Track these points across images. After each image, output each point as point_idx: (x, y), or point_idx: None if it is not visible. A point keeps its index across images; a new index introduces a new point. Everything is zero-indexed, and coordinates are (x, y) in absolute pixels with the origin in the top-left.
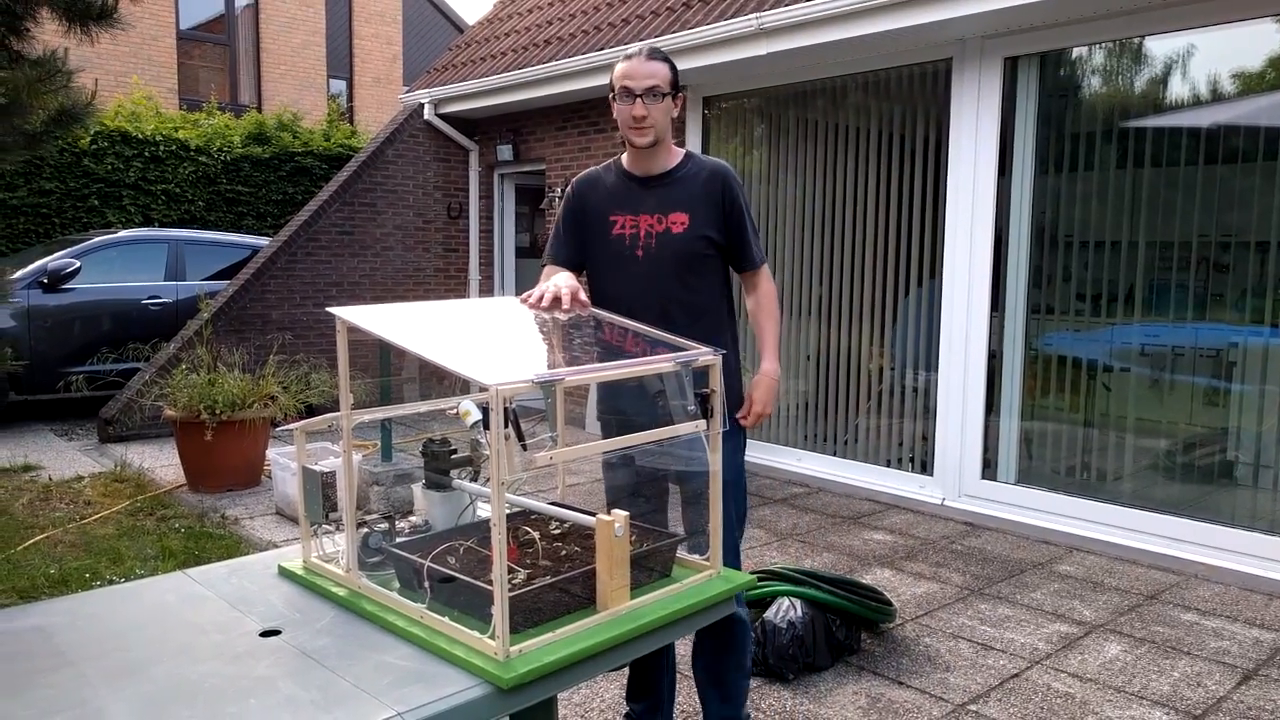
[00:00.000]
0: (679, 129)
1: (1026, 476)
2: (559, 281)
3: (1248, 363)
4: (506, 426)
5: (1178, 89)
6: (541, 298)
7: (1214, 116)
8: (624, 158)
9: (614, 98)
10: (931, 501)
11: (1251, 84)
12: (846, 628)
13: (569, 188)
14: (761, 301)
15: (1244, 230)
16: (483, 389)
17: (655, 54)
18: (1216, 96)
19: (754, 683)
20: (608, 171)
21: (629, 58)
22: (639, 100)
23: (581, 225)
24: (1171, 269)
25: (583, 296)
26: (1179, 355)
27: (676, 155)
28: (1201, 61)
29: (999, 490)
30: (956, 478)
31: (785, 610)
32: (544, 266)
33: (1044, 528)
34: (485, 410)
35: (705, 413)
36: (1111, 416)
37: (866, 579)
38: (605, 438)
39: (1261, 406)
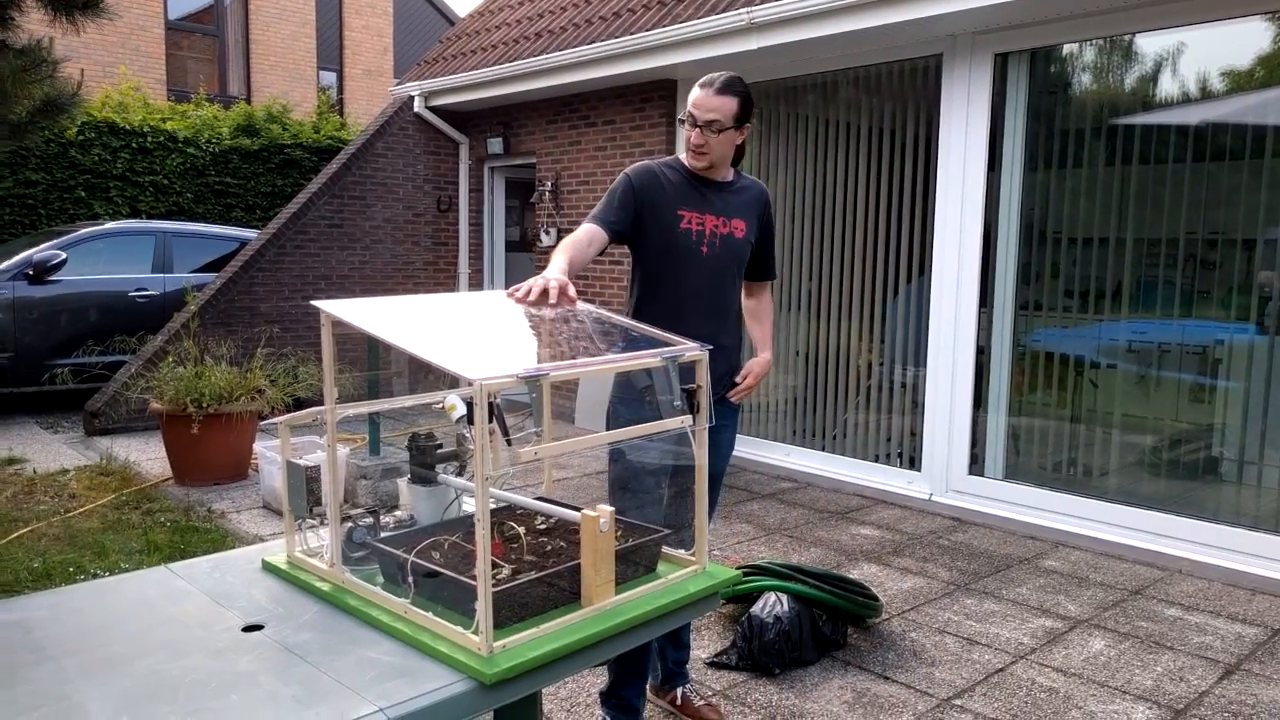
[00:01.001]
0: (669, 122)
1: (1013, 472)
2: (549, 275)
3: (1233, 359)
4: (491, 421)
5: (1167, 86)
6: (529, 292)
7: (1202, 114)
8: (686, 159)
9: (682, 116)
10: (919, 497)
11: (1240, 82)
12: (833, 622)
13: (633, 170)
14: (766, 305)
15: (1231, 227)
16: (467, 383)
17: (728, 88)
18: (1205, 94)
19: (740, 677)
20: (669, 169)
21: (703, 85)
22: (699, 130)
23: (641, 208)
24: (1159, 266)
25: (571, 292)
26: (1165, 352)
27: (731, 170)
28: (1190, 59)
29: (986, 486)
30: (944, 473)
31: (772, 605)
32: (586, 224)
33: (1030, 523)
34: (470, 405)
35: (692, 408)
36: (1098, 412)
37: (853, 574)
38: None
39: (1246, 403)
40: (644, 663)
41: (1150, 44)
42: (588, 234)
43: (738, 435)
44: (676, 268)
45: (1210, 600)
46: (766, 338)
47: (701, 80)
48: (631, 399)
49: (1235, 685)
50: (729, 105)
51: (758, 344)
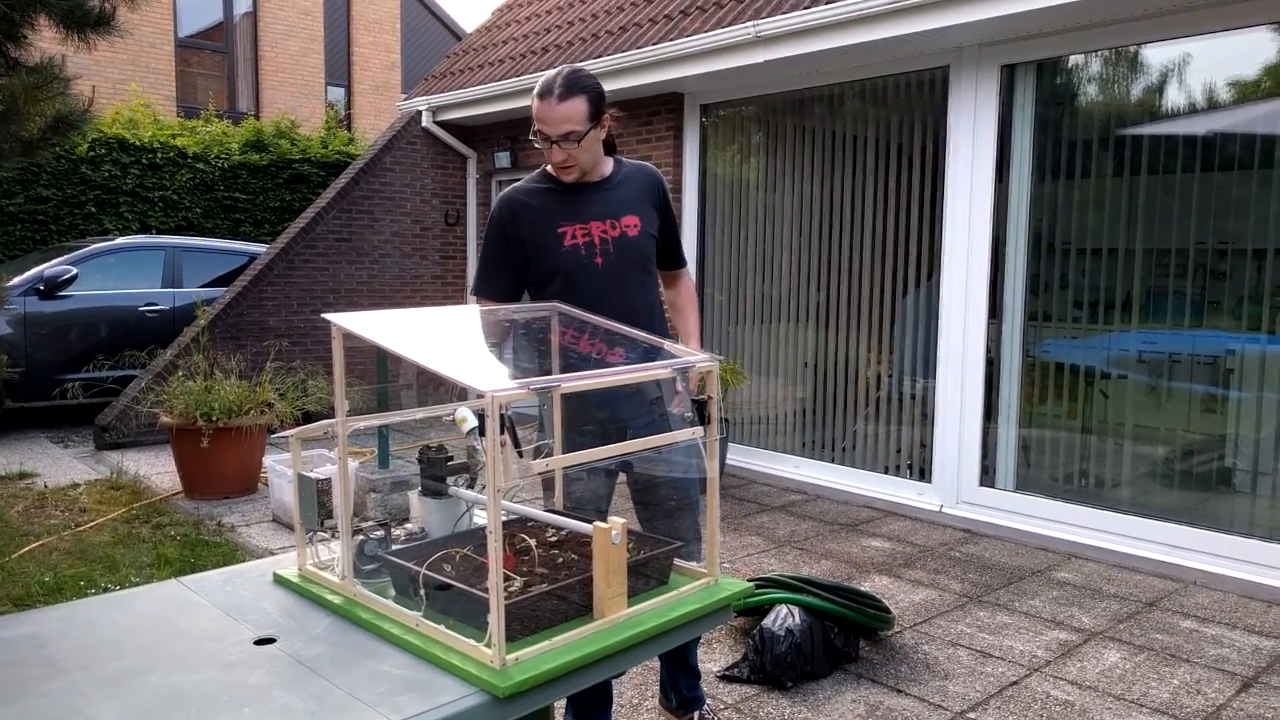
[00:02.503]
0: (676, 136)
1: (1025, 483)
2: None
3: (1245, 369)
4: (503, 434)
5: (1174, 96)
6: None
7: (1211, 124)
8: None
9: (531, 134)
10: (930, 508)
11: (1248, 91)
12: (845, 635)
13: (495, 210)
14: (685, 293)
15: (1241, 237)
16: (478, 395)
17: (569, 90)
18: (1213, 104)
19: (751, 690)
20: (537, 183)
21: (542, 96)
22: (554, 147)
23: (520, 246)
24: (1169, 276)
25: None
26: (1176, 362)
27: (608, 162)
28: (1198, 69)
29: (997, 497)
30: (955, 485)
31: (783, 618)
32: (475, 297)
33: (1042, 535)
34: (482, 417)
35: (703, 419)
36: (1109, 423)
37: (865, 586)
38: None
39: (1259, 413)
40: (604, 697)
41: (1157, 55)
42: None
43: (748, 447)
44: (572, 288)
45: (1226, 612)
46: (691, 328)
47: (537, 89)
48: (588, 428)
49: (1253, 698)
50: (578, 108)
51: (684, 339)
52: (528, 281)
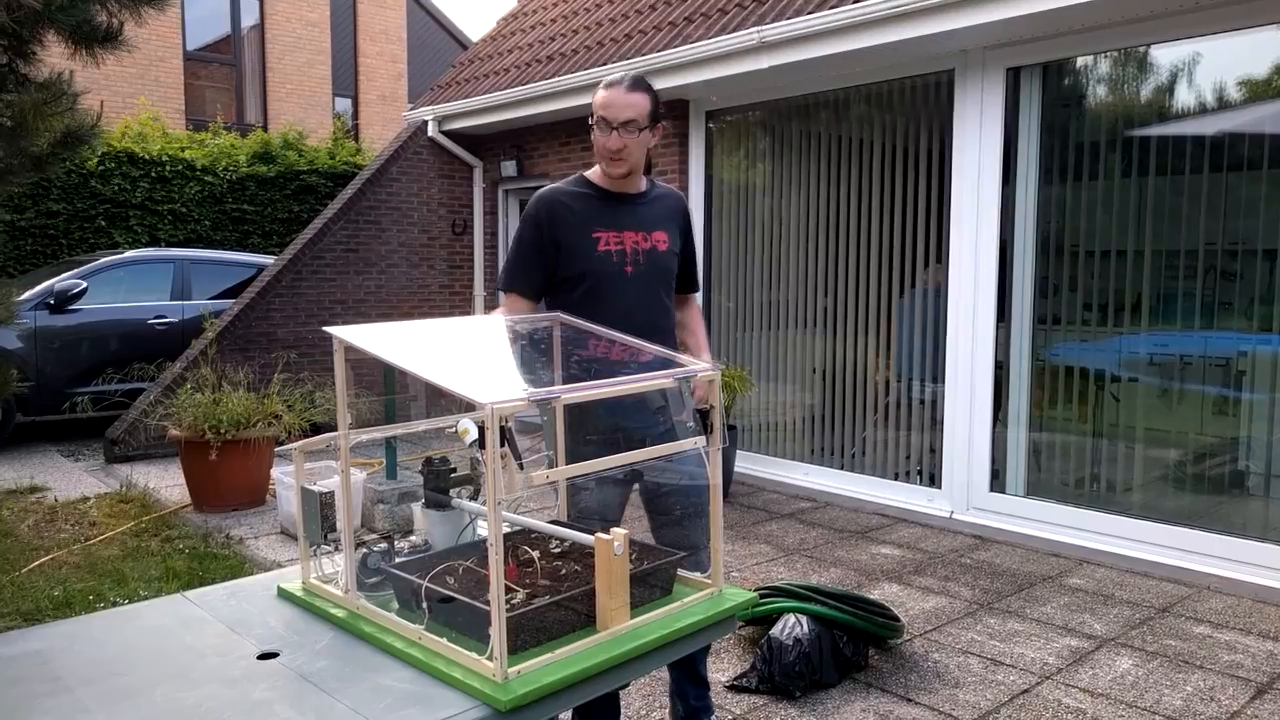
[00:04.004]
0: (681, 142)
1: (1035, 489)
2: None
3: (1258, 371)
4: (502, 445)
5: (1183, 97)
6: None
7: (1220, 124)
8: (595, 174)
9: (593, 123)
10: (940, 515)
11: (1258, 91)
12: (854, 644)
13: (534, 208)
14: (694, 316)
15: (1252, 238)
16: (479, 407)
17: (637, 84)
18: (1222, 104)
19: (760, 700)
20: (576, 187)
21: (610, 85)
22: (615, 133)
23: (554, 246)
24: (1179, 277)
25: None
26: (1188, 364)
27: (644, 179)
28: (1206, 69)
29: (1008, 503)
30: (965, 491)
31: (791, 627)
32: (504, 292)
33: (1053, 540)
34: (482, 428)
35: (705, 428)
36: (1120, 427)
37: (874, 594)
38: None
39: (1272, 415)
40: (612, 707)
41: (1164, 55)
42: (527, 311)
43: (756, 454)
44: (601, 293)
45: (1240, 617)
46: (701, 343)
47: (605, 81)
48: (592, 439)
49: (1268, 705)
50: (643, 102)
51: (694, 353)
52: (554, 283)
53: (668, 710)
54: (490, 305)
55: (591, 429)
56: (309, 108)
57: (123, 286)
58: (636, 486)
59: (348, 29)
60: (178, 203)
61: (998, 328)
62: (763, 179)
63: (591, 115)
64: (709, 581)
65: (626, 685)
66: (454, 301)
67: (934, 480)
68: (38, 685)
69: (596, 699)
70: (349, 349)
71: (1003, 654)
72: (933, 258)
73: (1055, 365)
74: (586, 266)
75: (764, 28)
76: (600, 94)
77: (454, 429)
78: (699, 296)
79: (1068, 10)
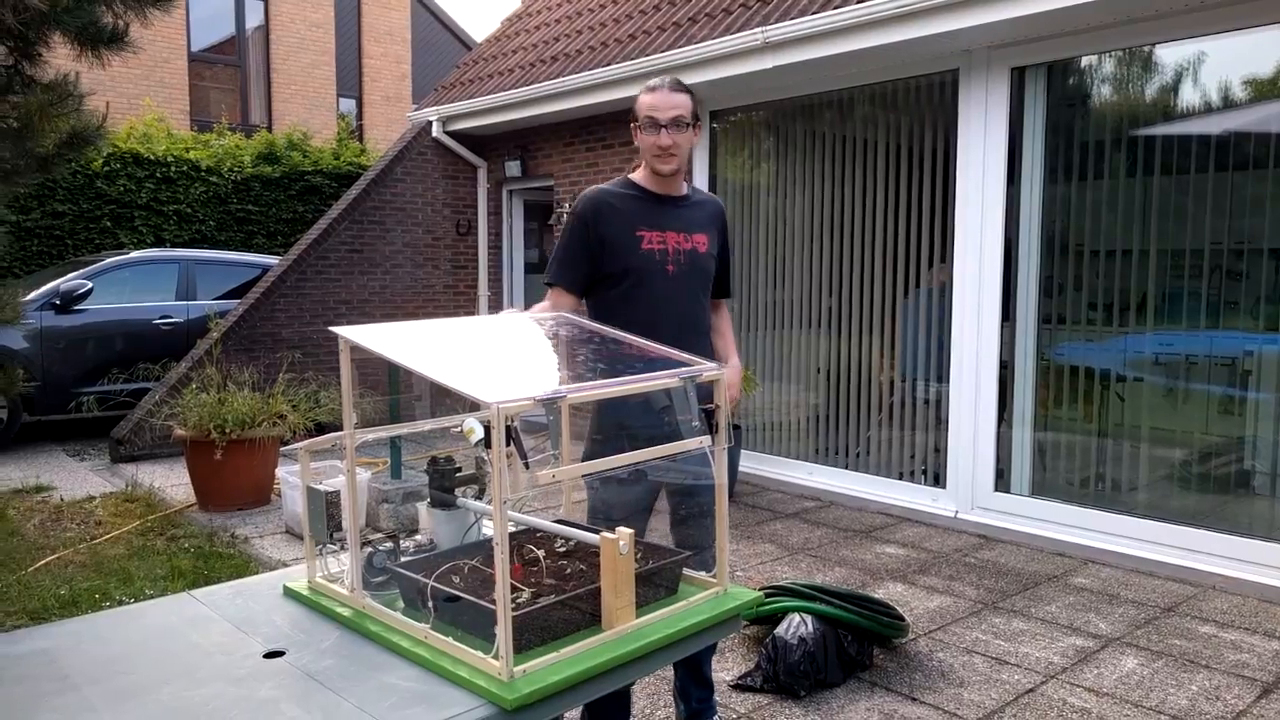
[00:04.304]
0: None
1: (1040, 488)
2: None
3: (1263, 370)
4: (508, 445)
5: (1188, 96)
6: None
7: (1225, 123)
8: (639, 176)
9: (638, 127)
10: (944, 514)
11: (1263, 90)
12: (858, 643)
13: (581, 205)
14: (725, 321)
15: (1257, 237)
16: (484, 406)
17: (678, 85)
18: (1228, 103)
19: (765, 699)
20: (621, 188)
21: (653, 89)
22: (664, 130)
23: (599, 243)
24: (1184, 277)
25: None
26: (1193, 364)
27: (684, 183)
28: (1212, 68)
29: (1012, 502)
30: (969, 490)
31: (796, 626)
32: (550, 286)
33: (1058, 540)
34: (488, 428)
35: (711, 428)
36: (1126, 426)
37: (879, 593)
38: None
39: (1278, 415)
40: (622, 707)
41: (1169, 54)
42: (571, 306)
43: (760, 454)
44: (642, 290)
45: (1245, 617)
46: (730, 346)
47: (649, 85)
48: (612, 437)
49: (1274, 704)
50: (686, 101)
51: (722, 354)
52: (596, 279)
53: (672, 710)
54: (493, 306)
55: (604, 429)
56: (313, 108)
57: (128, 287)
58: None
59: (352, 30)
60: (183, 203)
61: (1003, 327)
62: (767, 179)
63: (634, 119)
64: (714, 581)
65: (632, 684)
66: (458, 302)
67: (939, 480)
68: (45, 683)
69: (607, 696)
70: (354, 349)
71: (1007, 653)
72: (937, 257)
73: (1060, 365)
74: (630, 264)
75: (768, 28)
76: (645, 98)
77: (459, 429)
78: (729, 303)
79: (1072, 10)
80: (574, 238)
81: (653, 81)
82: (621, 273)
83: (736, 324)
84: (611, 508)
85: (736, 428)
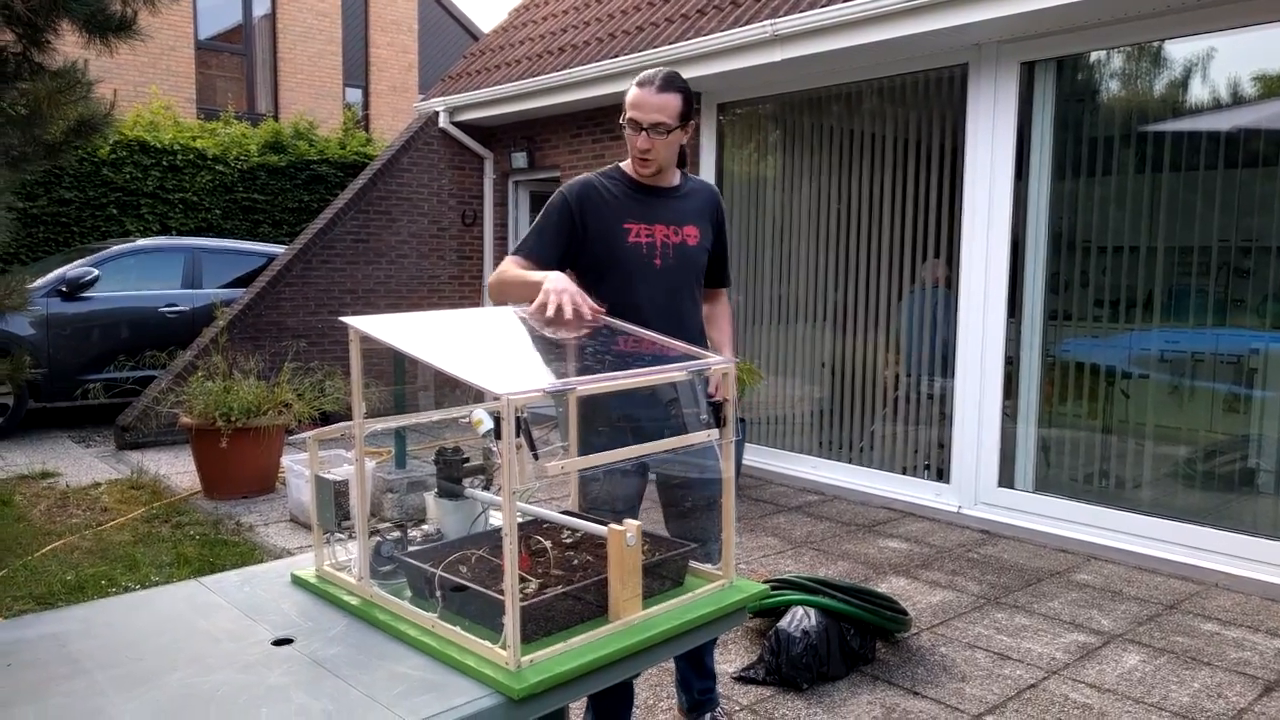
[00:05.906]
0: (693, 135)
1: (1044, 484)
2: (567, 288)
3: (1269, 368)
4: (518, 436)
5: (1197, 92)
6: (559, 309)
7: (1234, 120)
8: (629, 167)
9: (623, 120)
10: (948, 509)
11: (1272, 87)
12: (861, 637)
13: (563, 193)
14: (724, 311)
15: (1265, 235)
16: (494, 398)
17: (669, 84)
18: (1237, 100)
19: (767, 692)
20: (608, 179)
21: (642, 84)
22: (644, 134)
23: (583, 230)
24: (1191, 274)
25: (591, 304)
26: (1199, 361)
27: (677, 172)
28: (1221, 65)
29: (1016, 498)
30: (973, 485)
31: (799, 619)
32: (513, 257)
33: (1062, 536)
34: (497, 419)
35: (718, 421)
36: (1130, 423)
37: (882, 587)
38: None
39: None
40: (625, 697)
41: (1179, 50)
42: (520, 268)
43: (764, 447)
44: (628, 284)
45: (1248, 615)
46: (726, 340)
47: (639, 79)
48: (603, 429)
49: (1276, 702)
50: (673, 103)
51: (718, 349)
52: (579, 269)
53: (675, 700)
54: None
55: (603, 420)
56: (320, 98)
57: (134, 274)
58: (653, 478)
59: (359, 19)
60: (189, 191)
61: (1008, 323)
62: (774, 172)
63: (623, 111)
64: (720, 573)
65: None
66: (463, 292)
67: (942, 475)
68: (56, 668)
69: (610, 687)
70: (364, 339)
71: (1010, 649)
72: (944, 253)
73: (1066, 361)
74: (616, 256)
75: (777, 21)
76: (632, 92)
77: (467, 419)
78: (728, 292)
79: (1082, 5)
80: (553, 217)
81: (644, 74)
82: (608, 266)
83: (741, 318)
84: (601, 502)
85: (741, 421)
